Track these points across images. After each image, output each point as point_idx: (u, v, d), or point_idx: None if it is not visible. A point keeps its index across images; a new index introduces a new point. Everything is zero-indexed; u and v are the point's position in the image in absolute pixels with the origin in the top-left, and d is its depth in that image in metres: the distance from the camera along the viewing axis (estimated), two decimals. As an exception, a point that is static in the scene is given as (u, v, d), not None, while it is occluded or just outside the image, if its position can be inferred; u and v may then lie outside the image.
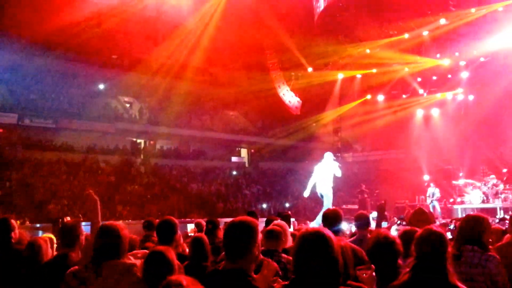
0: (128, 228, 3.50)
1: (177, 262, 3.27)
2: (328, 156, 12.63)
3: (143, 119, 31.38)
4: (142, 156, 30.91)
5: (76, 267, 3.34)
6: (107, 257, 3.24)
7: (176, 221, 4.57)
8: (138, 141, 33.05)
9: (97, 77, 32.02)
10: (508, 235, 4.93)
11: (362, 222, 5.82)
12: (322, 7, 22.13)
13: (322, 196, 12.21)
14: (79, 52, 31.47)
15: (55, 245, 4.77)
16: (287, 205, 29.31)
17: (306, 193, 12.51)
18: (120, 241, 3.32)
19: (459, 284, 2.91)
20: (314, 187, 12.27)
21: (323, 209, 9.91)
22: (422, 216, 4.90)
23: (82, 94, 30.38)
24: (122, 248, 3.33)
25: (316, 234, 2.46)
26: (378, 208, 16.93)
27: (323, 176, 12.23)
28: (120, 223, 3.53)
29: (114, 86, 32.43)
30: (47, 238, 4.76)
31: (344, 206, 21.79)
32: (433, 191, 18.86)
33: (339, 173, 12.30)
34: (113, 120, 29.59)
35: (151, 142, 32.81)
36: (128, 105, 32.65)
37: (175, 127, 32.14)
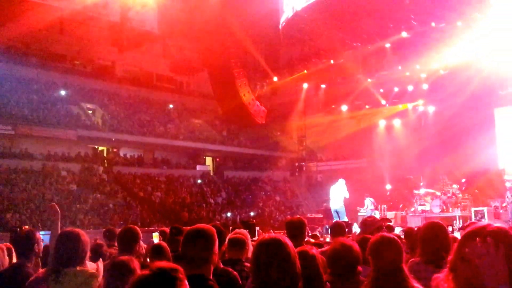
0: (89, 237, 3.44)
1: (139, 271, 3.22)
2: (341, 181, 16.66)
3: (106, 126, 30.85)
4: (105, 164, 30.36)
5: (37, 275, 3.26)
6: (67, 264, 3.18)
7: (138, 230, 4.49)
8: (101, 148, 32.46)
9: (59, 83, 31.35)
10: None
11: (336, 230, 5.91)
12: (287, 18, 22.36)
13: (336, 211, 15.77)
14: (40, 57, 30.82)
15: (13, 254, 4.62)
16: (252, 214, 29.29)
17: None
18: (79, 247, 3.25)
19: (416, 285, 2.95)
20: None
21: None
22: (373, 224, 4.97)
23: (43, 100, 29.64)
24: (82, 254, 3.26)
25: (272, 241, 2.47)
26: (323, 211, 18.12)
27: (337, 196, 16.08)
28: (79, 230, 3.46)
29: (76, 92, 31.81)
30: (3, 247, 4.61)
31: (308, 215, 21.91)
32: (368, 203, 19.31)
33: (347, 195, 16.07)
34: (75, 127, 28.95)
35: (114, 150, 32.27)
36: (90, 112, 32.05)
37: (139, 135, 31.73)
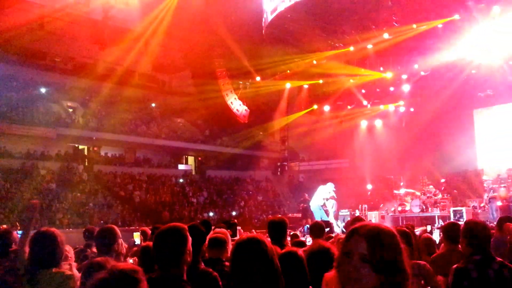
0: (68, 237, 3.38)
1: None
2: (330, 185, 17.79)
3: (87, 125, 30.51)
4: (85, 163, 30.03)
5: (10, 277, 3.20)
6: (43, 266, 3.11)
7: (117, 229, 4.42)
8: (81, 147, 32.10)
9: (38, 81, 30.90)
10: (443, 245, 5.08)
11: (316, 230, 5.94)
12: (270, 18, 22.38)
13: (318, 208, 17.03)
14: (20, 54, 30.29)
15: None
16: (234, 213, 29.27)
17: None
18: (56, 248, 3.19)
19: None
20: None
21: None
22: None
23: (23, 98, 29.18)
24: (58, 255, 3.21)
25: (251, 241, 2.46)
26: (302, 211, 18.54)
27: (321, 195, 17.26)
28: (55, 229, 3.39)
29: (56, 90, 31.40)
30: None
31: (290, 215, 22.00)
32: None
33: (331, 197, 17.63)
34: (55, 125, 28.58)
35: (95, 149, 31.93)
36: (71, 110, 31.67)
37: (121, 134, 31.45)
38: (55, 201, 24.33)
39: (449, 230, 4.95)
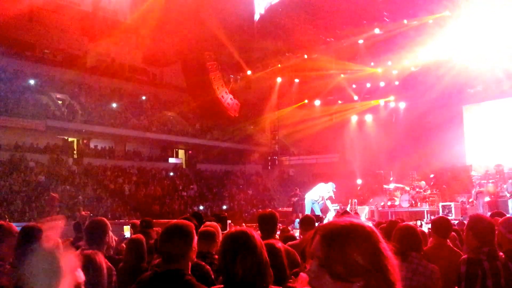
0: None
1: (105, 265, 3.18)
2: (331, 185, 17.76)
3: (77, 117, 30.31)
4: (74, 156, 29.86)
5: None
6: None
7: (107, 222, 4.41)
8: (71, 139, 31.90)
9: (28, 73, 30.60)
10: (431, 239, 5.13)
11: (306, 224, 5.96)
12: (262, 12, 22.35)
13: (312, 202, 17.27)
14: (9, 46, 30.00)
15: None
16: (224, 207, 29.30)
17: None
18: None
19: None
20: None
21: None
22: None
23: (11, 90, 28.90)
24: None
25: (239, 234, 2.48)
26: (292, 205, 18.59)
27: (319, 192, 17.42)
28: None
29: (46, 82, 31.14)
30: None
31: (280, 209, 22.04)
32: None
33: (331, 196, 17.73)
34: (44, 117, 28.36)
35: (85, 141, 31.76)
36: (60, 102, 31.43)
37: (111, 126, 31.28)
38: (44, 193, 24.18)
39: (438, 225, 5.00)
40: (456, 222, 11.46)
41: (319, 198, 17.72)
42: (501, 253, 3.73)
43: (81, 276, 2.21)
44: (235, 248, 2.41)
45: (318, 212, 17.16)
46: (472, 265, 3.67)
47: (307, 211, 16.95)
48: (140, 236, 4.96)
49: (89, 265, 3.01)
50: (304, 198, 19.04)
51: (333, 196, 18.14)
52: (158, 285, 2.81)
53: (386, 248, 1.53)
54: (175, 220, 3.20)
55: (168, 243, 2.87)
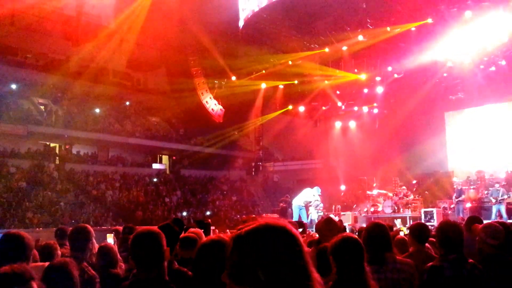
0: (38, 236, 3.31)
1: (77, 274, 3.10)
2: (316, 189, 18.01)
3: (59, 122, 29.95)
4: (57, 161, 29.48)
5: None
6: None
7: (91, 229, 4.37)
8: (52, 145, 31.50)
9: (9, 77, 30.16)
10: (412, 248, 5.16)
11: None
12: (247, 17, 22.38)
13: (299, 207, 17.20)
14: (-11, 49, 29.61)
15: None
16: (208, 213, 29.16)
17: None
18: (24, 251, 3.12)
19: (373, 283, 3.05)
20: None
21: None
22: (330, 225, 5.03)
23: (-8, 94, 28.49)
24: (26, 257, 3.13)
25: (214, 243, 2.45)
26: (280, 211, 18.48)
27: (306, 197, 17.48)
28: (22, 231, 3.32)
29: (28, 86, 30.73)
30: None
31: (264, 215, 21.99)
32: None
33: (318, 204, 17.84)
34: (26, 122, 27.98)
35: (67, 147, 31.37)
36: (42, 107, 31.05)
37: (93, 132, 30.99)
38: (25, 199, 23.82)
39: (416, 231, 5.04)
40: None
41: (304, 203, 17.83)
42: (470, 260, 3.65)
43: None
44: (210, 258, 2.38)
45: (304, 218, 17.20)
46: (431, 274, 3.61)
47: (295, 217, 16.97)
48: (107, 243, 4.97)
49: (61, 274, 2.95)
50: (292, 205, 19.06)
51: (319, 200, 18.17)
52: None
53: (303, 248, 1.40)
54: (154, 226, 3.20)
55: (140, 248, 2.86)
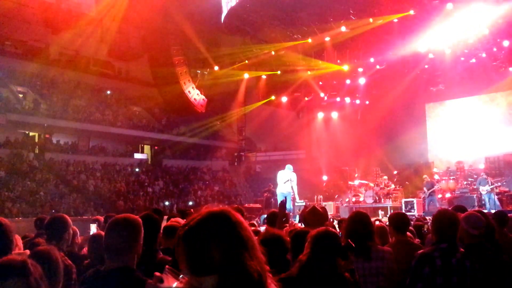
0: (17, 226, 3.25)
1: (62, 261, 3.08)
2: (289, 167, 16.69)
3: (38, 111, 29.48)
4: (36, 150, 29.06)
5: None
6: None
7: (68, 218, 4.31)
8: (32, 134, 31.03)
9: (-14, 64, 29.58)
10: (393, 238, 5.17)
11: (272, 219, 6.00)
12: (230, 7, 22.24)
13: (283, 195, 15.19)
14: (-34, 36, 28.98)
15: None
16: (190, 203, 29.11)
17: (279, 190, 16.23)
18: (6, 237, 3.07)
19: (346, 274, 3.11)
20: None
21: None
22: (315, 215, 5.03)
23: (-31, 82, 27.92)
24: (9, 244, 3.08)
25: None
26: (280, 207, 17.86)
27: (284, 181, 16.13)
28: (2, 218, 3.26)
29: (6, 75, 30.15)
30: None
31: (246, 205, 22.04)
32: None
33: (295, 185, 16.24)
34: (4, 111, 27.48)
35: (47, 136, 30.93)
36: (21, 96, 30.52)
37: (74, 121, 30.56)
38: (4, 189, 23.47)
39: (395, 221, 5.02)
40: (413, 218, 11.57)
41: (284, 185, 16.78)
42: (461, 250, 3.65)
43: None
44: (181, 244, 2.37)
45: (289, 205, 16.82)
46: (420, 262, 3.61)
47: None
48: (101, 232, 4.87)
49: (44, 261, 2.91)
50: (277, 195, 18.94)
51: (292, 179, 16.91)
52: (102, 283, 2.73)
53: (246, 233, 1.49)
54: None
55: (113, 236, 2.79)
